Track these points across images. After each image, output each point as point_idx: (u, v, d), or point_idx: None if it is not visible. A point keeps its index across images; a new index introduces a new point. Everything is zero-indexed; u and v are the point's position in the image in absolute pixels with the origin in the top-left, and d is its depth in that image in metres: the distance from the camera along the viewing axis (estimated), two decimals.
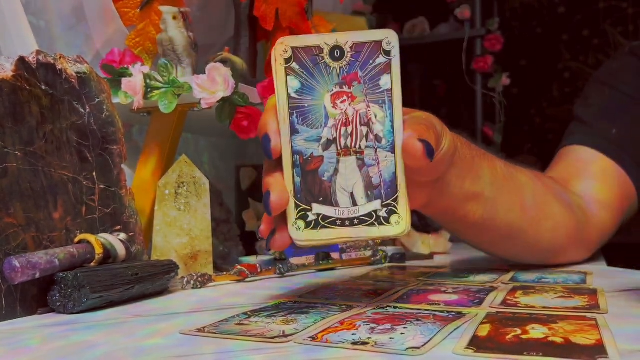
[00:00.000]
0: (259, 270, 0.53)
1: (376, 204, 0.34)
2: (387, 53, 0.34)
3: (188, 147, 0.85)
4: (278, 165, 0.35)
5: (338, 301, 0.40)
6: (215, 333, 0.32)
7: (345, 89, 0.34)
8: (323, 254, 0.61)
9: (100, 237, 0.43)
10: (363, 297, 0.42)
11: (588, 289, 0.44)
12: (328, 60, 0.34)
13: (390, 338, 0.30)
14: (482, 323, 0.33)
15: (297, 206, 0.34)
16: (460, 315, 0.35)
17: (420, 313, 0.36)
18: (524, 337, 0.30)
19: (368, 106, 0.34)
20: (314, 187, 0.34)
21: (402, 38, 1.83)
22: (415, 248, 0.75)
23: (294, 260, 0.59)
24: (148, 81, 0.56)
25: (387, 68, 0.34)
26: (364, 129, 0.34)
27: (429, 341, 0.29)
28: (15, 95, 0.41)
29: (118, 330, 0.34)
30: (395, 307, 0.38)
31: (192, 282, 0.48)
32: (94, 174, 0.47)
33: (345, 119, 0.34)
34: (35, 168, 0.42)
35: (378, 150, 0.34)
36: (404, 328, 0.32)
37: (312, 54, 0.34)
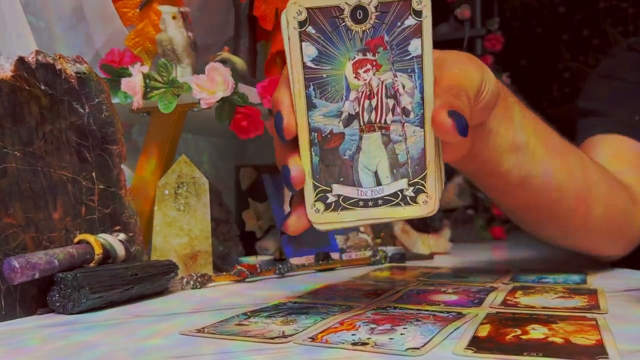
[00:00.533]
0: (259, 270, 0.53)
1: (402, 183, 0.31)
2: (418, 14, 0.30)
3: (188, 147, 0.85)
4: (293, 142, 0.31)
5: (338, 301, 0.40)
6: (215, 333, 0.32)
7: (369, 56, 0.30)
8: (323, 254, 0.61)
9: (99, 238, 0.43)
10: (363, 298, 0.42)
11: (588, 289, 0.44)
12: (349, 22, 0.30)
13: (390, 338, 0.30)
14: (482, 323, 0.33)
15: (315, 187, 0.31)
16: (460, 315, 0.35)
17: (420, 313, 0.36)
18: (523, 337, 0.30)
19: (395, 76, 0.30)
20: (334, 166, 0.31)
21: None
22: (415, 248, 0.75)
23: (294, 261, 0.59)
24: (147, 81, 0.56)
25: (417, 31, 0.30)
26: (390, 102, 0.31)
27: (428, 341, 0.29)
28: (14, 95, 0.41)
29: (118, 330, 0.34)
30: (395, 308, 0.38)
31: (191, 282, 0.48)
32: (94, 174, 0.47)
33: (369, 90, 0.31)
34: (35, 168, 0.41)
35: (406, 125, 0.31)
36: (404, 328, 0.32)
37: (330, 15, 0.30)
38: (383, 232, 0.79)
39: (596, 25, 2.05)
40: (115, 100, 0.55)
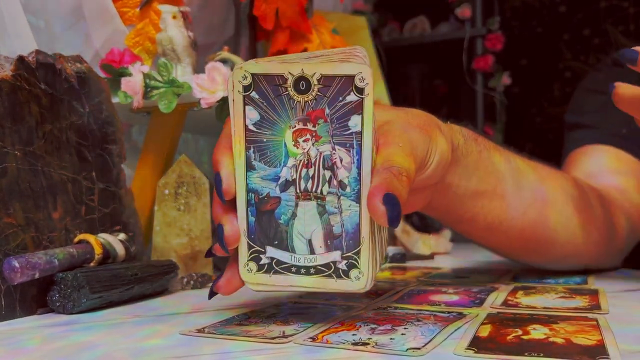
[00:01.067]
0: None
1: (336, 255, 0.31)
2: (360, 91, 0.29)
3: (188, 146, 0.85)
4: (232, 201, 0.32)
5: (338, 301, 0.40)
6: (215, 333, 0.32)
7: (309, 126, 0.30)
8: None
9: (99, 237, 0.43)
10: (363, 298, 0.42)
11: (589, 289, 0.44)
12: (292, 92, 0.30)
13: (391, 338, 0.30)
14: (482, 323, 0.33)
15: (249, 247, 0.31)
16: (460, 315, 0.35)
17: (420, 313, 0.36)
18: (524, 337, 0.30)
19: (334, 148, 0.30)
20: (269, 229, 0.31)
21: (402, 37, 1.84)
22: (416, 248, 0.75)
23: None
24: (147, 81, 0.56)
25: (358, 108, 0.30)
26: (327, 173, 0.30)
27: (429, 342, 0.29)
28: (14, 94, 0.40)
29: (117, 330, 0.34)
30: (395, 308, 0.38)
31: (191, 282, 0.48)
32: (94, 173, 0.47)
33: (307, 160, 0.31)
34: (35, 168, 0.41)
35: (341, 197, 0.30)
36: (405, 328, 0.32)
37: (274, 83, 0.30)
38: None
39: (597, 25, 2.05)
40: (115, 100, 0.55)
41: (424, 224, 0.93)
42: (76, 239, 0.43)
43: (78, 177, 0.45)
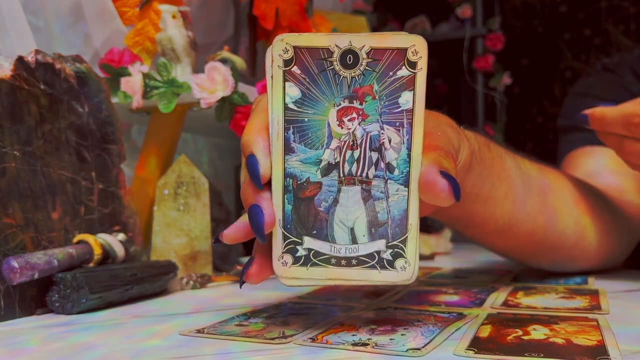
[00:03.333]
0: None
1: (380, 244, 0.29)
2: (412, 65, 0.28)
3: (187, 147, 0.85)
4: (265, 185, 0.29)
5: (338, 302, 0.40)
6: (214, 334, 0.32)
7: (356, 104, 0.28)
8: None
9: (99, 238, 0.43)
10: (363, 298, 0.41)
11: (589, 289, 0.44)
12: (338, 66, 0.28)
13: (391, 339, 0.29)
14: (483, 324, 0.33)
15: (285, 237, 0.29)
16: (461, 316, 0.35)
17: (421, 314, 0.35)
18: (525, 338, 0.29)
19: (382, 128, 0.28)
20: (307, 217, 0.29)
21: None
22: None
23: None
24: (147, 81, 0.56)
25: (410, 83, 0.28)
26: (374, 155, 0.28)
27: (429, 342, 0.29)
28: (13, 94, 0.40)
29: (117, 331, 0.34)
30: (395, 308, 0.38)
31: (191, 282, 0.48)
32: (93, 173, 0.47)
33: (353, 141, 0.28)
34: (34, 168, 0.41)
35: (389, 181, 0.28)
36: (405, 329, 0.31)
37: (318, 57, 0.28)
38: None
39: (598, 25, 2.04)
40: (114, 100, 0.55)
41: (424, 224, 0.93)
42: (75, 239, 0.43)
43: (77, 177, 0.45)
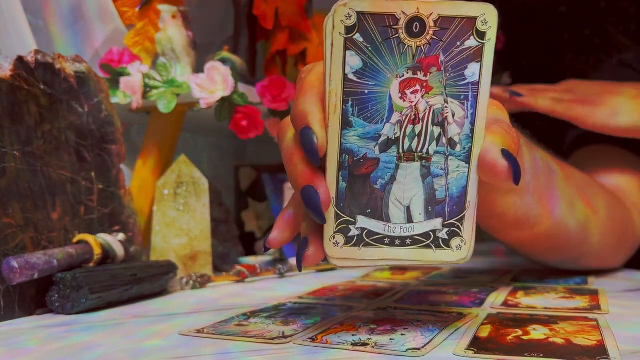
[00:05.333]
0: (259, 270, 0.53)
1: (436, 223, 0.28)
2: (481, 35, 0.26)
3: (187, 147, 0.85)
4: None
5: (338, 302, 0.40)
6: (214, 334, 0.32)
7: (420, 75, 0.27)
8: None
9: (99, 238, 0.43)
10: (363, 298, 0.41)
11: (589, 289, 0.44)
12: (403, 35, 0.26)
13: (391, 339, 0.29)
14: (482, 324, 0.33)
15: (337, 217, 0.27)
16: (461, 316, 0.35)
17: (420, 314, 0.35)
18: (524, 338, 0.29)
19: (446, 101, 0.27)
20: (362, 195, 0.27)
21: None
22: None
23: (294, 261, 0.58)
24: (147, 81, 0.56)
25: (477, 54, 0.26)
26: (437, 130, 0.27)
27: (429, 342, 0.29)
28: (13, 94, 0.40)
29: (117, 331, 0.34)
30: (395, 308, 0.38)
31: (191, 282, 0.48)
32: (93, 174, 0.47)
33: (415, 114, 0.27)
34: (34, 168, 0.41)
35: (450, 158, 0.27)
36: (404, 329, 0.31)
37: (383, 24, 0.26)
38: None
39: (598, 25, 2.05)
40: (114, 100, 0.55)
41: None
42: (75, 239, 0.43)
43: (77, 177, 0.45)
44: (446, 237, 0.28)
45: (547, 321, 0.33)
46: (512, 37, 2.00)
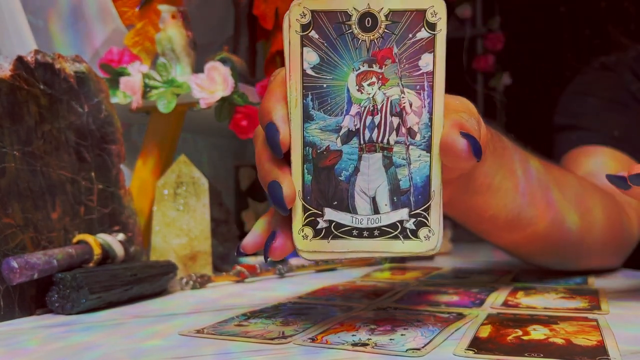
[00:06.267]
0: (258, 270, 0.53)
1: (403, 213, 0.28)
2: (432, 26, 0.27)
3: (187, 147, 0.85)
4: (283, 158, 0.29)
5: (338, 302, 0.40)
6: (214, 334, 0.32)
7: (376, 68, 0.28)
8: None
9: (98, 238, 0.43)
10: (363, 298, 0.41)
11: (589, 289, 0.44)
12: (356, 30, 0.27)
13: (391, 339, 0.29)
14: (482, 324, 0.33)
15: (305, 210, 0.28)
16: (461, 316, 0.35)
17: (420, 314, 0.35)
18: (524, 338, 0.29)
19: (402, 92, 0.28)
20: (327, 187, 0.28)
21: None
22: None
23: (294, 261, 0.58)
24: (147, 80, 0.56)
25: (429, 45, 0.27)
26: (395, 120, 0.28)
27: (429, 342, 0.29)
28: (13, 94, 0.40)
29: (117, 331, 0.34)
30: (395, 308, 0.38)
31: (191, 282, 0.48)
32: (93, 174, 0.47)
33: (373, 106, 0.28)
34: (34, 168, 0.41)
35: (410, 147, 0.28)
36: (404, 329, 0.31)
37: (336, 20, 0.27)
38: None
39: (598, 25, 2.04)
40: (114, 100, 0.55)
41: None
42: (75, 239, 0.43)
43: (77, 177, 0.45)
44: (414, 227, 0.28)
45: (547, 321, 0.33)
46: (512, 37, 2.00)
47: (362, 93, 0.28)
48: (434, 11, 0.27)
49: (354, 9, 0.27)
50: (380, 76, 0.28)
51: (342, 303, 0.40)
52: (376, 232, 0.28)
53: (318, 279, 0.53)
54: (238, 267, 0.52)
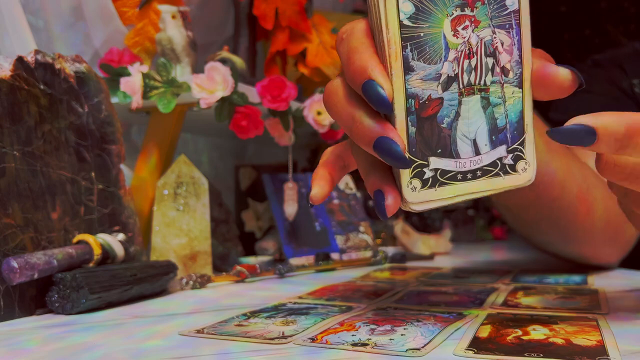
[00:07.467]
0: (259, 270, 0.53)
1: (501, 150, 0.29)
2: None
3: (187, 147, 0.85)
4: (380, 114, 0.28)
5: (338, 302, 0.40)
6: (214, 334, 0.32)
7: (467, 11, 0.28)
8: (323, 255, 0.61)
9: (98, 238, 0.43)
10: (363, 298, 0.41)
11: (589, 289, 0.44)
12: None
13: (390, 339, 0.29)
14: (482, 324, 0.33)
15: (411, 162, 0.28)
16: (460, 316, 0.35)
17: (420, 314, 0.35)
18: (524, 338, 0.29)
19: (494, 32, 0.28)
20: (431, 136, 0.28)
21: None
22: (416, 248, 0.75)
23: (294, 261, 0.58)
24: (147, 81, 0.56)
25: None
26: (490, 61, 0.28)
27: (429, 342, 0.29)
28: (13, 94, 0.40)
29: (117, 331, 0.34)
30: (395, 308, 0.38)
31: (191, 282, 0.48)
32: (93, 174, 0.47)
33: (469, 49, 0.28)
34: (34, 168, 0.41)
35: (505, 85, 0.29)
36: (404, 329, 0.31)
37: None
38: (384, 232, 0.79)
39: (597, 25, 2.04)
40: (114, 100, 0.55)
41: (424, 224, 0.93)
42: (75, 240, 0.43)
43: (77, 177, 0.45)
44: (512, 162, 0.29)
45: (547, 321, 0.33)
46: None
47: (457, 38, 0.28)
48: None
49: None
50: (473, 19, 0.28)
51: (342, 303, 0.40)
52: (479, 173, 0.29)
53: (318, 279, 0.53)
54: (238, 267, 0.52)
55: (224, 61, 0.58)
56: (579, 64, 0.77)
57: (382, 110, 0.28)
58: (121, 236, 0.46)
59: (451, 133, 0.29)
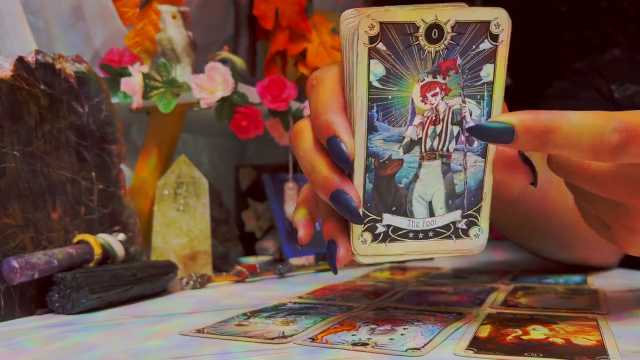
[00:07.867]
0: (259, 270, 0.53)
1: (456, 214, 0.30)
2: (495, 38, 0.28)
3: (187, 147, 0.85)
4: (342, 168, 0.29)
5: (338, 302, 0.40)
6: (214, 334, 0.32)
7: (439, 78, 0.28)
8: (323, 254, 0.61)
9: (99, 238, 0.43)
10: (363, 298, 0.41)
11: (589, 289, 0.44)
12: (423, 41, 0.27)
13: (391, 339, 0.29)
14: (482, 324, 0.33)
15: (365, 216, 0.29)
16: (460, 316, 0.35)
17: (420, 314, 0.35)
18: (524, 337, 0.29)
19: (464, 102, 0.29)
20: (387, 195, 0.29)
21: None
22: None
23: (294, 261, 0.58)
24: (147, 81, 0.56)
25: (491, 56, 0.28)
26: (456, 129, 0.29)
27: (429, 342, 0.29)
28: (13, 95, 0.40)
29: (117, 331, 0.34)
30: (395, 308, 0.38)
31: (191, 282, 0.48)
32: (93, 174, 0.47)
33: (435, 115, 0.29)
34: (34, 168, 0.41)
35: (467, 153, 0.29)
36: (404, 329, 0.31)
37: (404, 32, 0.27)
38: None
39: (597, 25, 2.04)
40: (114, 100, 0.55)
41: None
42: (75, 239, 0.43)
43: (77, 177, 0.45)
44: (465, 227, 0.30)
45: (547, 321, 0.33)
46: (512, 37, 2.00)
47: (425, 103, 0.28)
48: (498, 22, 0.28)
49: (422, 20, 0.27)
50: (444, 87, 0.28)
51: (342, 303, 0.40)
52: (430, 234, 0.30)
53: (318, 279, 0.53)
54: (238, 267, 0.52)
55: (224, 61, 0.58)
56: (561, 71, 0.78)
57: (343, 166, 0.28)
58: (121, 236, 0.46)
59: (408, 193, 0.29)
